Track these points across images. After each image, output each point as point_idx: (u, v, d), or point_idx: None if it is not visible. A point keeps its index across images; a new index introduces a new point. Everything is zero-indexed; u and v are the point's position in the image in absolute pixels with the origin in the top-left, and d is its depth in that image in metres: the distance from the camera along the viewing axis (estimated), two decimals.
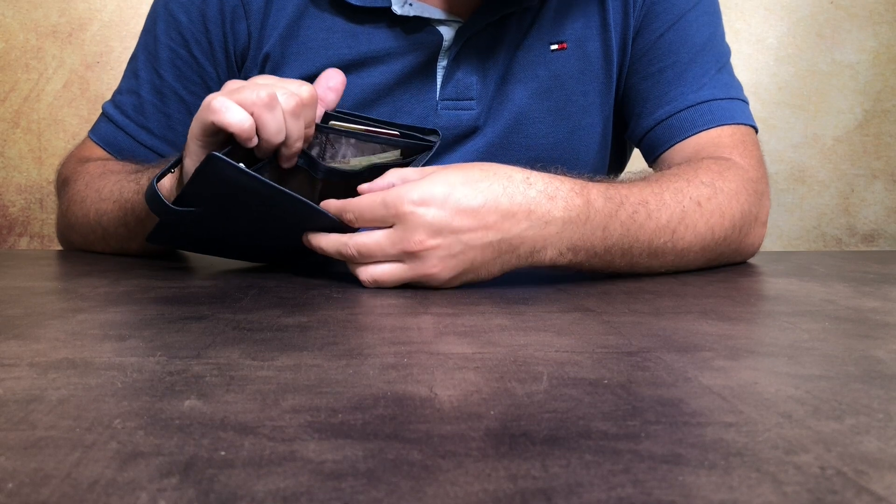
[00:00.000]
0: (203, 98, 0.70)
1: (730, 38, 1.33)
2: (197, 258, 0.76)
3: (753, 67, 1.34)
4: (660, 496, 0.23)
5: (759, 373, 0.37)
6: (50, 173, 1.29)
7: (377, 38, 0.78)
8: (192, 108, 0.81)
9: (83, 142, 0.89)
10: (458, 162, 0.79)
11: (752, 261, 0.78)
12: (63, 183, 0.86)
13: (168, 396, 0.32)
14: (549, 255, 0.60)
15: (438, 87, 0.80)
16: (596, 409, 0.31)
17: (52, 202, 1.30)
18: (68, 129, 1.28)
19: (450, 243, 0.56)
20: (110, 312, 0.50)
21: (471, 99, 0.80)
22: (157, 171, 0.66)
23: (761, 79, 1.34)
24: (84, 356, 0.39)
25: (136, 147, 0.84)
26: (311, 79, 0.72)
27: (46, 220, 1.30)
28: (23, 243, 1.30)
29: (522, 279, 0.64)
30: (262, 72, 0.81)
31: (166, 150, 0.84)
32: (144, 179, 0.71)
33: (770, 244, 1.37)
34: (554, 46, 0.81)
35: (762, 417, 0.30)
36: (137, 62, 0.85)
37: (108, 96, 0.88)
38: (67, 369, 0.36)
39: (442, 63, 0.79)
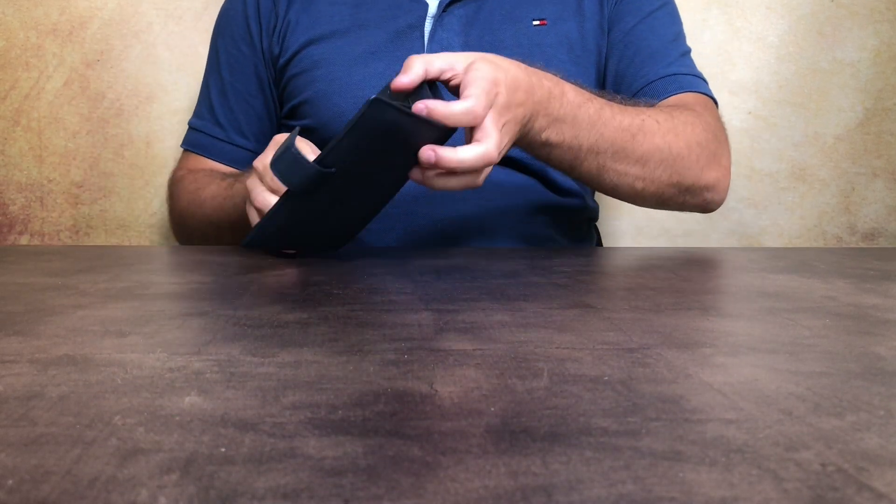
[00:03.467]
0: (253, 85, 1.00)
1: (731, 37, 1.33)
2: (196, 257, 0.76)
3: (754, 65, 1.34)
4: (660, 493, 0.23)
5: (760, 369, 0.36)
6: (50, 171, 1.29)
7: (374, 8, 0.95)
8: (248, 98, 1.01)
9: (181, 155, 1.07)
10: None
11: (752, 257, 0.78)
12: (170, 193, 1.04)
13: (168, 393, 0.32)
14: (538, 123, 0.72)
15: (426, 45, 0.94)
16: (596, 405, 0.31)
17: (52, 200, 1.30)
18: (69, 127, 1.28)
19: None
20: (110, 309, 0.50)
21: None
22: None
23: (762, 77, 1.34)
24: (84, 352, 0.39)
25: (213, 142, 1.02)
26: (313, 40, 0.94)
27: (47, 218, 1.30)
28: (23, 241, 1.30)
29: (523, 274, 0.64)
30: (282, 37, 0.97)
31: (237, 138, 1.02)
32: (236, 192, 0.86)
33: (771, 242, 1.37)
34: (535, 22, 0.95)
35: (763, 414, 0.30)
36: (206, 77, 1.05)
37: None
38: (67, 366, 0.36)
39: (428, 27, 0.94)
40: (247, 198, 0.74)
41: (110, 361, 0.37)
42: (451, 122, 0.63)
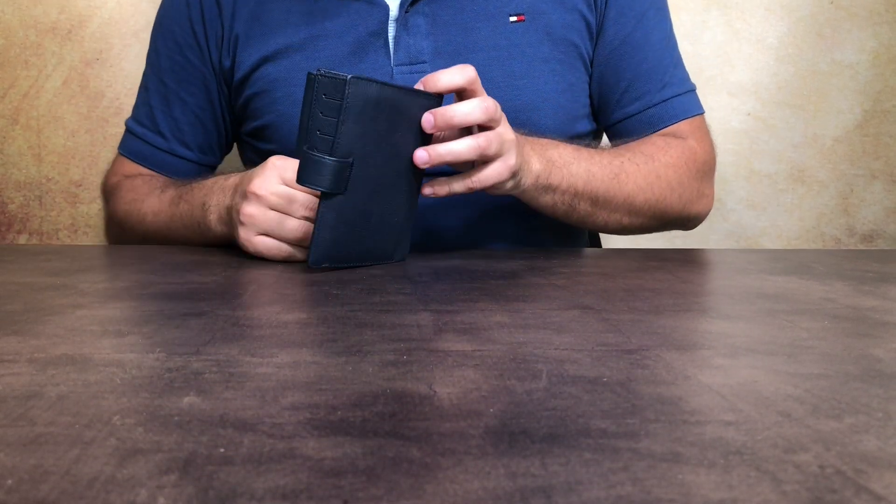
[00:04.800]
0: (201, 96, 0.94)
1: (730, 38, 1.33)
2: (195, 257, 0.76)
3: (753, 67, 1.34)
4: (659, 494, 0.23)
5: (759, 371, 0.37)
6: (49, 170, 1.29)
7: (330, 15, 0.87)
8: (194, 109, 0.95)
9: (115, 158, 1.01)
10: None
11: (751, 259, 0.78)
12: (106, 199, 0.99)
13: (167, 393, 0.32)
14: (534, 162, 0.74)
15: (392, 53, 0.86)
16: (595, 406, 0.31)
17: (51, 199, 1.30)
18: (67, 126, 1.28)
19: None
20: (109, 308, 0.50)
21: (423, 62, 0.87)
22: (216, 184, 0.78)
23: (761, 78, 1.34)
24: (83, 352, 0.38)
25: (154, 152, 0.96)
26: (268, 57, 0.88)
27: (45, 216, 1.30)
28: (21, 240, 1.30)
29: (521, 275, 0.64)
30: (232, 51, 0.91)
31: (179, 149, 0.96)
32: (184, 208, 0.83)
33: (769, 243, 1.37)
34: (513, 18, 0.88)
35: (761, 416, 0.30)
36: (146, 77, 0.97)
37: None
38: (66, 365, 0.36)
39: (392, 32, 0.86)
40: (250, 225, 0.70)
41: (109, 361, 0.37)
42: (443, 83, 0.66)
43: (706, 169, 0.92)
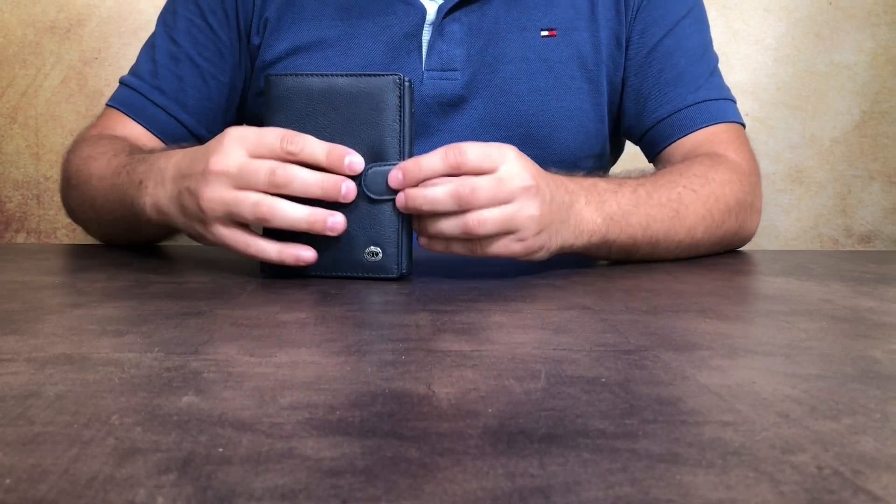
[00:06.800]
0: (216, 63, 0.88)
1: (728, 39, 1.33)
2: (194, 256, 0.76)
3: (752, 68, 1.34)
4: (657, 495, 0.23)
5: (757, 372, 0.37)
6: (47, 169, 1.29)
7: (366, 12, 0.85)
8: (204, 74, 0.89)
9: (101, 114, 0.91)
10: (450, 132, 0.86)
11: (750, 259, 0.79)
12: (68, 149, 0.88)
13: (166, 392, 0.32)
14: (588, 225, 0.65)
15: (424, 57, 0.85)
16: (594, 407, 0.31)
17: (49, 198, 1.30)
18: (66, 124, 1.27)
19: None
20: (108, 308, 0.50)
21: (454, 70, 0.85)
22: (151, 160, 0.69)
23: (759, 79, 1.34)
24: (82, 351, 0.38)
25: (146, 105, 0.88)
26: (301, 48, 0.85)
27: (44, 216, 1.30)
28: (20, 239, 1.30)
29: (520, 275, 0.64)
30: (262, 33, 0.87)
31: (176, 110, 0.88)
32: (146, 193, 0.68)
33: (767, 244, 1.37)
34: (544, 33, 0.86)
35: (759, 417, 0.30)
36: (155, 36, 0.91)
37: (106, 92, 0.90)
38: (65, 365, 0.36)
39: (426, 36, 0.85)
40: (215, 211, 0.59)
41: (108, 360, 0.37)
42: (424, 168, 0.57)
43: (754, 181, 0.84)
